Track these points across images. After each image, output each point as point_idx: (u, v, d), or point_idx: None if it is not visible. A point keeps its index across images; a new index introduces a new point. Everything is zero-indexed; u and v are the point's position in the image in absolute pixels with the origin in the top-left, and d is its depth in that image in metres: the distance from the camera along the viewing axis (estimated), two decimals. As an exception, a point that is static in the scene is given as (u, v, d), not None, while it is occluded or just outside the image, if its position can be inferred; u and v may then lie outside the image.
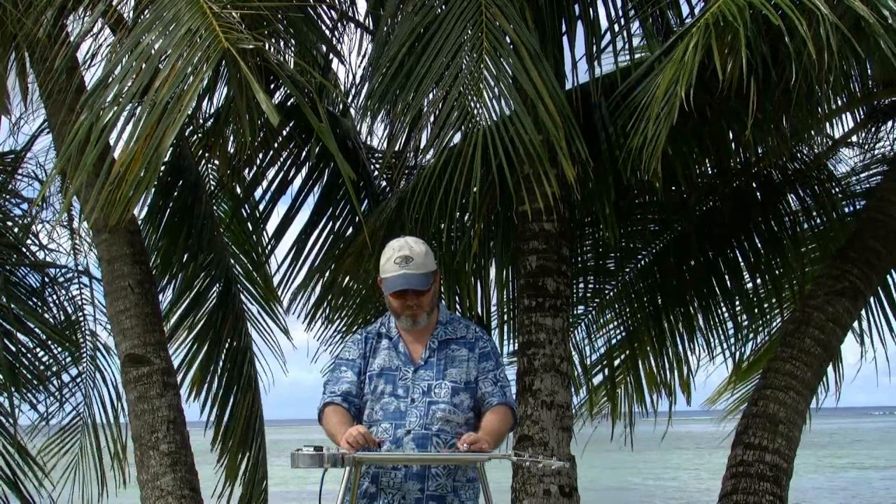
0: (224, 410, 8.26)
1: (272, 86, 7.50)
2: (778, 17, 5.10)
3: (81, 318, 8.26)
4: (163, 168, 7.98)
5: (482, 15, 5.80)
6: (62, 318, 8.11)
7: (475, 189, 6.08)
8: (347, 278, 8.04)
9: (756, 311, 8.62)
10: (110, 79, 5.40)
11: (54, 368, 8.00)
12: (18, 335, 7.70)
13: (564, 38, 6.63)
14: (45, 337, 7.86)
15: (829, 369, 8.33)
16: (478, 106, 5.64)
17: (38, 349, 7.89)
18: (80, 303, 8.29)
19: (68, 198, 6.96)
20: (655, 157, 5.39)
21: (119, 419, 8.09)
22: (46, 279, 8.05)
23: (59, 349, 8.03)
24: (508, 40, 5.85)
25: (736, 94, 5.56)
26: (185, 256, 8.15)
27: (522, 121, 5.69)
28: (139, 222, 7.42)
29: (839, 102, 7.74)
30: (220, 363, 8.25)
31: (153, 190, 7.98)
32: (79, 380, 8.16)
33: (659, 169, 5.46)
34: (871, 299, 8.19)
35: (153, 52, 5.32)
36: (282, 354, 8.59)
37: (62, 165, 5.78)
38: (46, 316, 7.96)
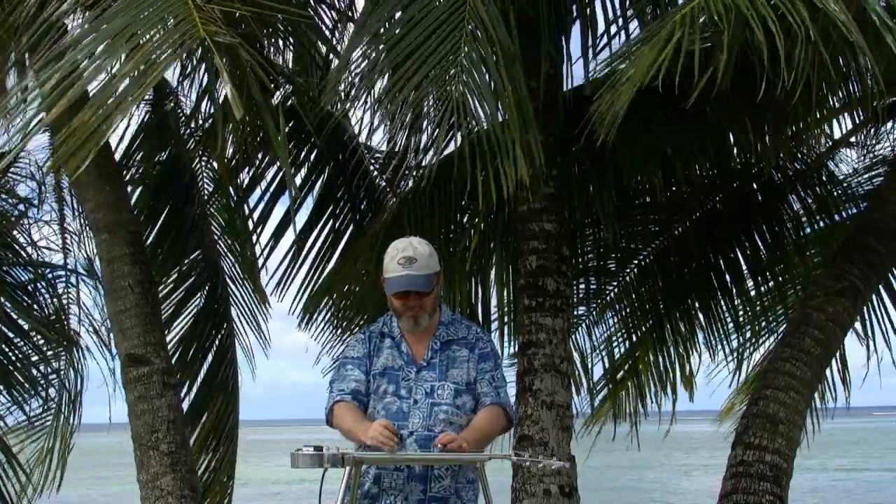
0: (197, 409, 8.27)
1: (272, 86, 7.49)
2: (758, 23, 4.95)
3: (65, 318, 8.21)
4: (157, 169, 7.98)
5: (465, 3, 5.69)
6: (48, 313, 8.06)
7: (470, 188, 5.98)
8: (350, 277, 8.01)
9: (763, 313, 8.59)
10: (79, 45, 5.19)
11: (51, 374, 7.98)
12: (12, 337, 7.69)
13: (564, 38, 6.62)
14: (35, 335, 7.83)
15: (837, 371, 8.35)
16: (452, 83, 5.47)
17: (22, 343, 7.86)
18: (66, 302, 8.26)
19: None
20: (619, 115, 5.11)
21: (74, 419, 8.01)
22: (36, 277, 8.01)
23: (46, 348, 8.00)
24: (484, 36, 5.73)
25: (735, 94, 5.53)
26: (173, 259, 8.14)
27: (491, 118, 5.57)
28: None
29: (837, 104, 7.72)
30: (202, 364, 8.25)
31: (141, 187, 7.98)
32: (53, 377, 8.08)
33: (614, 131, 5.17)
34: (875, 300, 8.17)
35: (126, 27, 5.14)
36: (254, 356, 8.60)
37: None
38: (36, 314, 7.94)
